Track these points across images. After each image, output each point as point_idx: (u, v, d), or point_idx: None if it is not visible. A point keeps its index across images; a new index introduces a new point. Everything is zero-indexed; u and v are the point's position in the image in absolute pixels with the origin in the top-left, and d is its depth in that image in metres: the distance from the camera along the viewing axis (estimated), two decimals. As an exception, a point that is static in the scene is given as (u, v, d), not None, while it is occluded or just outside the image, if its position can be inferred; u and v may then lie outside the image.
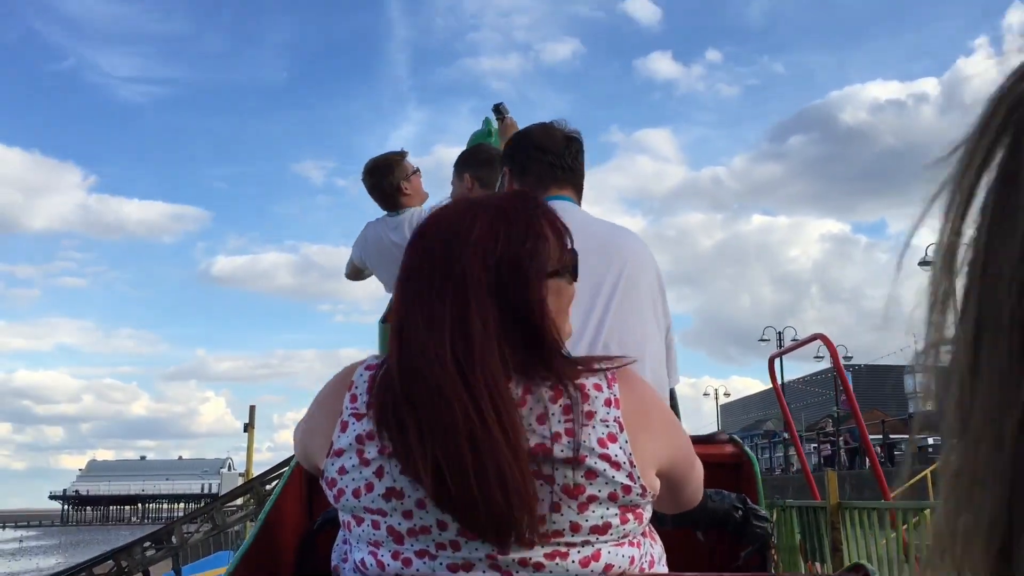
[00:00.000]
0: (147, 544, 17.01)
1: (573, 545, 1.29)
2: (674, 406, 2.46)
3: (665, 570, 1.46)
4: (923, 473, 10.82)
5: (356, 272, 4.11)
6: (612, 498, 1.29)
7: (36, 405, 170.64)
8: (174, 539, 16.96)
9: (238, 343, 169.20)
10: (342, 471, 1.33)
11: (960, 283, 0.35)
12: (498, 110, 3.91)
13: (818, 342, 3.74)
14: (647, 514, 1.38)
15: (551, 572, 1.28)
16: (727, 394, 47.94)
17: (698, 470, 1.52)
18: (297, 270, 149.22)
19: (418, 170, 3.93)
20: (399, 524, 1.30)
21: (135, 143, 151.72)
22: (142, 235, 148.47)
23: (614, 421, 1.29)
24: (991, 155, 0.35)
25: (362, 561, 1.35)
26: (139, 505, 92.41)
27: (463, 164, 3.46)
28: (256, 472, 19.29)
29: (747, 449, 2.23)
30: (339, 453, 1.34)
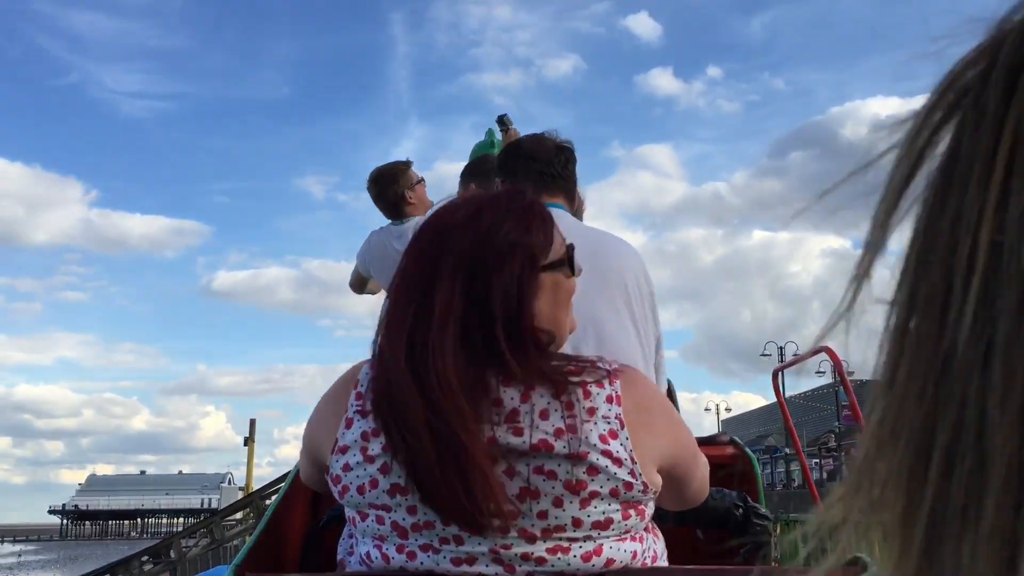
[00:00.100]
0: (145, 558, 16.95)
1: (575, 540, 1.29)
2: (672, 403, 2.42)
3: (667, 565, 1.47)
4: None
5: (360, 282, 4.11)
6: (614, 494, 1.30)
7: (36, 419, 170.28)
8: (172, 553, 16.89)
9: (239, 358, 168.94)
10: (346, 467, 1.34)
11: (897, 254, 0.36)
12: (502, 122, 3.92)
13: (823, 355, 3.70)
14: (649, 510, 1.38)
15: (553, 566, 1.29)
16: (728, 409, 47.91)
17: (702, 468, 1.53)
18: (298, 285, 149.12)
19: (422, 180, 3.95)
20: (403, 519, 1.31)
21: (137, 158, 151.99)
22: (144, 249, 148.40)
23: (615, 418, 1.30)
24: (936, 136, 0.35)
25: (367, 554, 1.36)
26: (138, 520, 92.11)
27: (468, 175, 3.46)
28: (256, 487, 19.26)
29: (747, 450, 2.25)
30: (344, 450, 1.35)
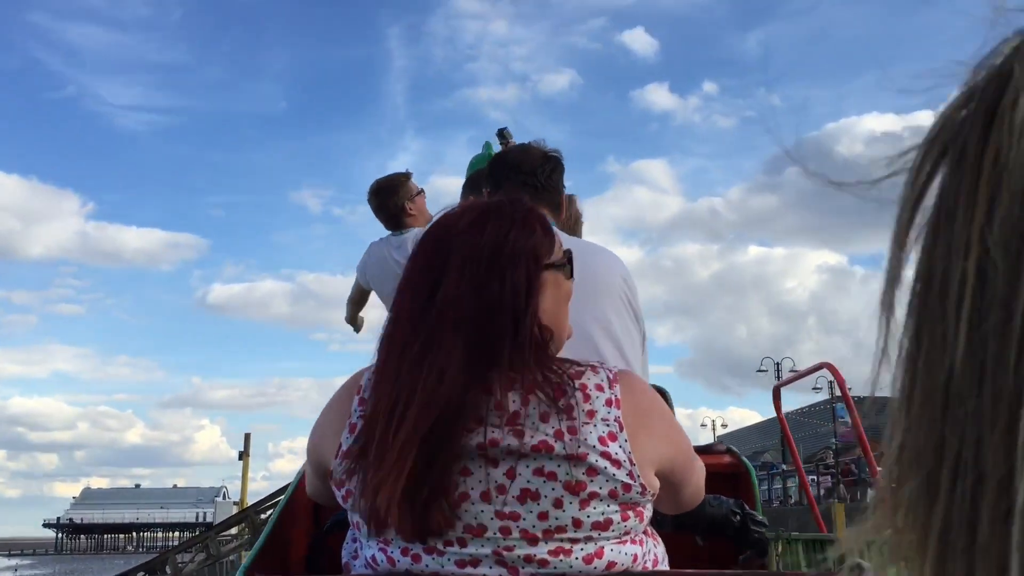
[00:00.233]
0: (140, 574, 16.84)
1: (576, 541, 1.31)
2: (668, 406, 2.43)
3: (667, 569, 1.49)
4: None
5: (360, 295, 4.12)
6: (612, 495, 1.31)
7: (31, 432, 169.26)
8: (168, 569, 16.79)
9: (234, 371, 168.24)
10: (351, 472, 1.35)
11: (906, 292, 0.39)
12: (502, 135, 3.93)
13: (824, 371, 3.68)
14: (648, 513, 1.40)
15: (555, 568, 1.30)
16: (724, 425, 47.76)
17: (699, 472, 1.55)
18: (293, 298, 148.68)
19: (422, 191, 3.98)
20: (410, 527, 1.31)
21: (134, 171, 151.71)
22: (140, 262, 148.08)
23: (614, 420, 1.32)
24: (930, 181, 0.39)
25: (373, 557, 1.36)
26: (134, 534, 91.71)
27: (469, 187, 3.47)
28: (251, 501, 19.15)
29: (744, 459, 2.28)
30: (348, 455, 1.36)
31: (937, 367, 0.37)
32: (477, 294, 1.29)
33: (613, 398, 1.34)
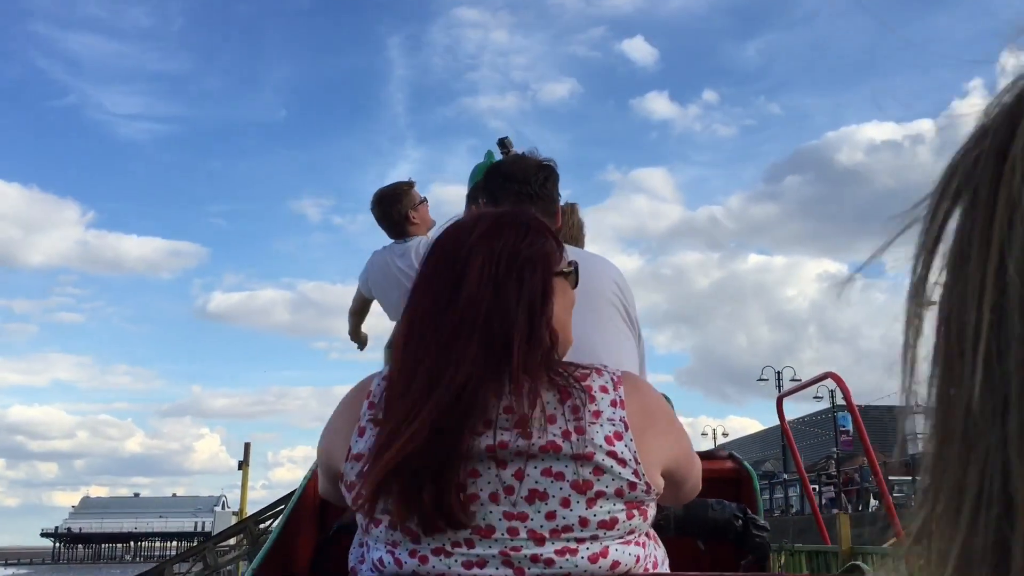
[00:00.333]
0: (138, 584, 16.74)
1: (582, 541, 1.34)
2: None
3: (668, 571, 1.52)
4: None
5: (362, 304, 4.10)
6: (619, 494, 1.35)
7: (30, 441, 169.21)
8: (165, 579, 16.69)
9: (234, 380, 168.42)
10: (361, 475, 1.37)
11: (929, 324, 0.41)
12: (503, 144, 3.93)
13: (828, 380, 3.63)
14: (651, 512, 1.43)
15: (561, 568, 1.33)
16: (725, 434, 47.70)
17: (697, 467, 1.59)
18: (293, 307, 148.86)
19: (425, 200, 3.98)
20: (416, 524, 1.33)
21: (134, 180, 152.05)
22: (140, 271, 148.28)
23: (620, 421, 1.36)
24: (946, 224, 0.40)
25: (380, 560, 1.39)
26: (132, 543, 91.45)
27: (473, 197, 3.44)
28: (250, 511, 19.06)
29: (746, 464, 2.30)
30: (358, 457, 1.39)
31: (957, 403, 0.38)
32: (496, 296, 1.33)
33: (618, 399, 1.37)
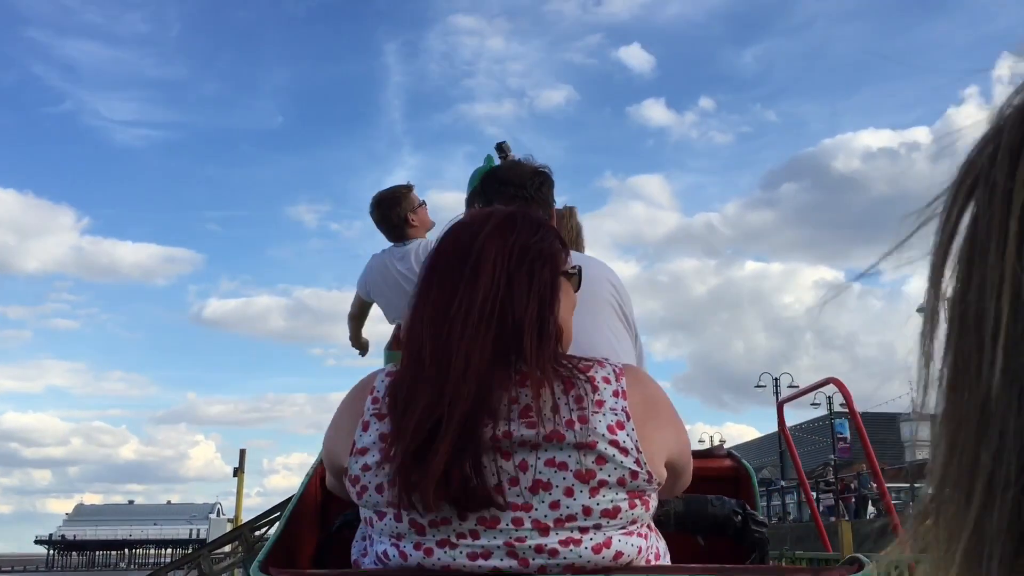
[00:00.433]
0: (131, 592, 16.65)
1: (585, 531, 1.35)
2: None
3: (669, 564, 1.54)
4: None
5: (361, 308, 4.08)
6: (621, 483, 1.36)
7: (24, 448, 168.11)
8: (159, 587, 16.61)
9: (229, 386, 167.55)
10: (365, 468, 1.39)
11: (941, 332, 0.42)
12: (501, 148, 3.97)
13: (830, 386, 3.60)
14: (653, 502, 1.45)
15: (565, 558, 1.35)
16: (723, 441, 47.61)
17: (691, 462, 1.64)
18: (289, 313, 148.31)
19: (424, 203, 3.97)
20: (421, 516, 1.35)
21: (130, 186, 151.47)
22: (135, 277, 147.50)
23: (621, 410, 1.38)
24: (960, 219, 0.41)
25: (384, 553, 1.40)
26: (126, 551, 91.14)
27: (470, 204, 3.43)
28: (245, 518, 18.97)
29: (744, 462, 2.34)
30: (363, 452, 1.41)
31: (974, 392, 0.39)
32: (509, 288, 1.35)
33: (620, 390, 1.40)
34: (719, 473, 2.28)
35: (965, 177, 0.41)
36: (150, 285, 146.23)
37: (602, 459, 1.34)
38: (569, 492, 1.33)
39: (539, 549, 1.34)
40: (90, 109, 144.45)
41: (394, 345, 3.73)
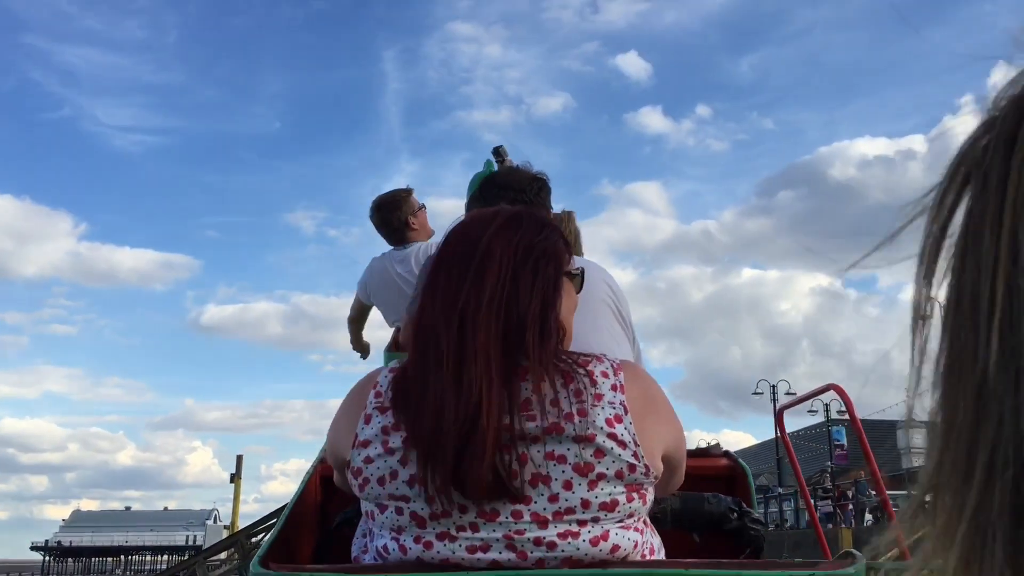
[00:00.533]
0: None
1: (584, 523, 1.37)
2: None
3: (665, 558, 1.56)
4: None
5: (360, 311, 4.08)
6: (619, 476, 1.38)
7: (21, 454, 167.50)
8: (155, 593, 16.54)
9: (227, 392, 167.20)
10: (368, 460, 1.41)
11: (935, 329, 0.43)
12: (498, 152, 3.97)
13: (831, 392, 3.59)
14: (650, 496, 1.47)
15: (563, 551, 1.36)
16: (717, 443, 47.55)
17: (685, 455, 1.65)
18: (287, 320, 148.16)
19: (424, 206, 3.98)
20: (422, 509, 1.37)
21: (128, 191, 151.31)
22: (133, 283, 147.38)
23: (620, 404, 1.40)
24: (955, 209, 0.42)
25: (384, 547, 1.41)
26: (122, 557, 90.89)
27: (469, 209, 3.43)
28: (242, 524, 18.93)
29: (740, 461, 2.37)
30: (365, 444, 1.42)
31: (970, 374, 0.39)
32: (514, 284, 1.38)
33: (618, 384, 1.42)
34: (716, 472, 2.31)
35: (959, 166, 0.42)
36: (148, 291, 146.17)
37: (600, 452, 1.36)
38: (568, 485, 1.35)
39: (537, 542, 1.35)
40: (88, 115, 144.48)
41: (393, 347, 3.73)
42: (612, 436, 1.37)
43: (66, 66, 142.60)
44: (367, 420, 1.43)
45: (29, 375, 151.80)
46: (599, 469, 1.36)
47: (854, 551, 1.54)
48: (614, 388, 1.41)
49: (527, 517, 1.35)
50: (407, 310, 2.46)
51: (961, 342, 0.40)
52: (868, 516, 24.64)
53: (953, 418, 0.40)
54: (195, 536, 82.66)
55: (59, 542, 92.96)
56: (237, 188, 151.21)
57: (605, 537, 1.38)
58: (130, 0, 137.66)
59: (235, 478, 21.76)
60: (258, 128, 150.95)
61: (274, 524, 2.13)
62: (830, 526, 22.89)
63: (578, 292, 1.56)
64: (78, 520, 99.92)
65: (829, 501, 27.55)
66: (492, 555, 1.35)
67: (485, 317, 1.35)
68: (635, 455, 1.38)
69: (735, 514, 2.01)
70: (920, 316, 0.43)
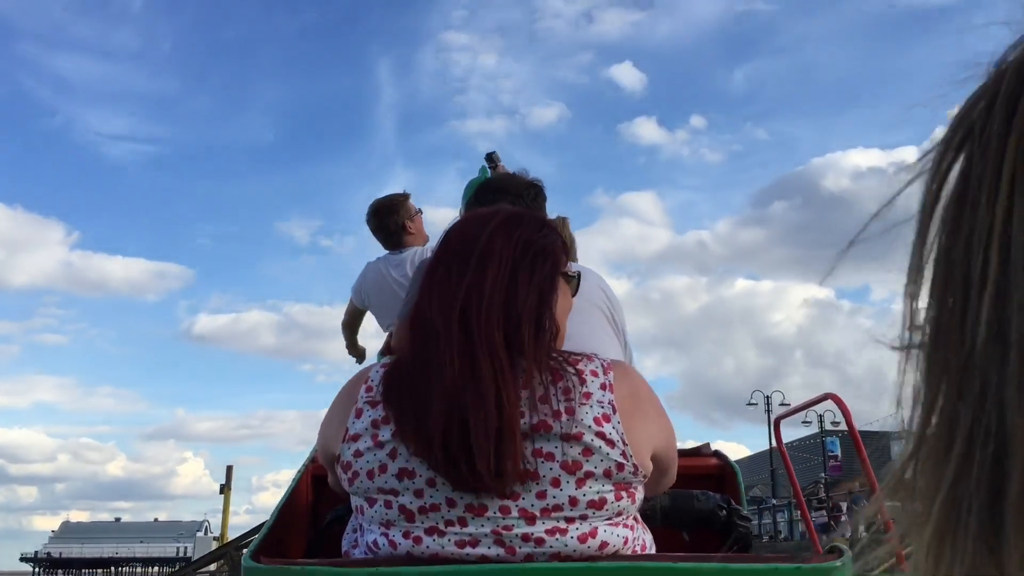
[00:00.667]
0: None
1: (572, 521, 1.37)
2: None
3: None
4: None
5: (355, 316, 4.06)
6: (607, 475, 1.38)
7: (10, 464, 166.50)
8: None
9: (218, 403, 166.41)
10: (357, 454, 1.41)
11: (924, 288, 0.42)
12: (491, 158, 4.02)
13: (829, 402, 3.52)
14: (639, 495, 1.47)
15: (551, 547, 1.36)
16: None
17: (676, 455, 1.65)
18: (280, 329, 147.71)
19: (420, 211, 3.99)
20: (411, 503, 1.37)
21: (120, 200, 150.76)
22: (125, 292, 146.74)
23: (608, 403, 1.40)
24: (949, 172, 0.41)
25: (374, 542, 1.42)
26: (112, 569, 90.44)
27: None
28: (232, 536, 18.79)
29: (730, 460, 2.40)
30: (355, 438, 1.42)
31: (958, 344, 0.38)
32: (513, 279, 1.39)
33: (607, 383, 1.42)
34: (706, 471, 2.34)
35: (956, 131, 0.41)
36: (140, 300, 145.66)
37: (589, 451, 1.36)
38: (556, 482, 1.35)
39: (526, 538, 1.35)
40: (81, 123, 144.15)
41: (386, 352, 3.71)
42: (600, 435, 1.37)
43: (59, 74, 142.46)
44: (358, 414, 1.44)
45: (20, 385, 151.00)
46: (587, 467, 1.36)
47: (841, 546, 1.54)
48: (603, 387, 1.41)
49: (515, 513, 1.35)
50: (399, 313, 2.43)
51: (950, 311, 0.39)
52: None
53: (937, 389, 0.39)
54: (185, 548, 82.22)
55: (48, 553, 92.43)
56: (230, 197, 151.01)
57: (594, 534, 1.38)
58: (124, 9, 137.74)
59: (225, 489, 21.62)
60: (252, 137, 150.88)
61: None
62: (824, 536, 22.81)
63: (573, 295, 1.55)
64: (68, 531, 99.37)
65: (824, 512, 27.47)
66: (481, 550, 1.35)
67: (487, 311, 1.36)
68: (623, 454, 1.38)
69: (723, 511, 2.03)
70: (914, 281, 0.42)
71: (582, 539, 1.37)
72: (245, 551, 1.66)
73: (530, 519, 1.35)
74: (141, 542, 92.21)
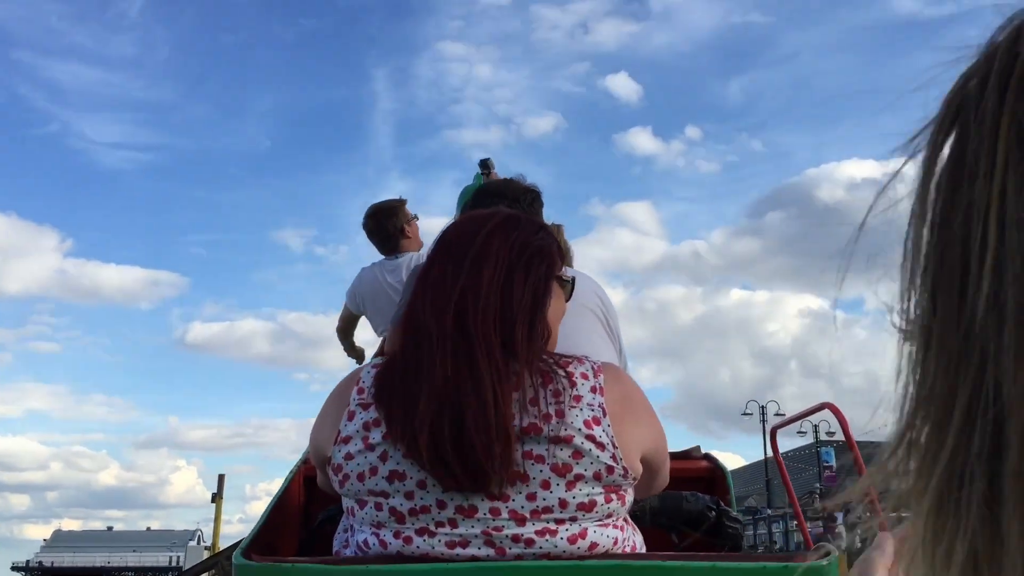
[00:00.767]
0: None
1: (561, 522, 1.37)
2: None
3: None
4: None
5: (349, 321, 4.06)
6: (597, 477, 1.38)
7: (2, 472, 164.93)
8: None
9: (212, 411, 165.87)
10: (348, 457, 1.42)
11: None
12: (485, 165, 4.03)
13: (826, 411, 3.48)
14: (629, 497, 1.47)
15: (541, 548, 1.37)
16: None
17: (668, 461, 1.66)
18: (274, 338, 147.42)
19: (416, 216, 4.02)
20: (401, 505, 1.38)
21: (115, 208, 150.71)
22: (118, 300, 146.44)
23: (598, 406, 1.40)
24: (945, 142, 0.41)
25: (365, 542, 1.42)
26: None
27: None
28: (224, 545, 18.64)
29: (720, 462, 2.42)
30: (346, 440, 1.43)
31: (956, 317, 0.39)
32: (508, 282, 1.39)
33: (597, 386, 1.42)
34: (696, 474, 2.36)
35: (950, 106, 0.41)
36: (133, 308, 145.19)
37: (578, 453, 1.36)
38: (546, 485, 1.36)
39: (515, 539, 1.36)
40: (76, 131, 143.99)
41: (381, 355, 3.69)
42: (590, 438, 1.37)
43: (54, 82, 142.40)
44: (350, 417, 1.44)
45: (12, 392, 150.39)
46: (577, 470, 1.37)
47: (828, 545, 1.54)
48: (593, 390, 1.41)
49: (505, 514, 1.36)
50: (393, 317, 2.40)
51: (948, 283, 0.39)
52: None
53: (935, 362, 0.39)
54: (178, 557, 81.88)
55: (40, 562, 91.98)
56: (225, 205, 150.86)
57: (583, 535, 1.39)
58: (120, 17, 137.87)
59: (216, 498, 21.49)
60: (247, 145, 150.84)
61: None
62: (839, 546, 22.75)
63: (567, 300, 1.56)
64: (60, 540, 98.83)
65: (820, 522, 27.38)
66: (471, 551, 1.36)
67: (484, 312, 1.36)
68: (613, 457, 1.39)
69: (713, 512, 2.03)
70: (912, 257, 0.42)
71: (572, 540, 1.38)
72: (236, 550, 1.65)
73: (520, 520, 1.36)
74: (133, 551, 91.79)
